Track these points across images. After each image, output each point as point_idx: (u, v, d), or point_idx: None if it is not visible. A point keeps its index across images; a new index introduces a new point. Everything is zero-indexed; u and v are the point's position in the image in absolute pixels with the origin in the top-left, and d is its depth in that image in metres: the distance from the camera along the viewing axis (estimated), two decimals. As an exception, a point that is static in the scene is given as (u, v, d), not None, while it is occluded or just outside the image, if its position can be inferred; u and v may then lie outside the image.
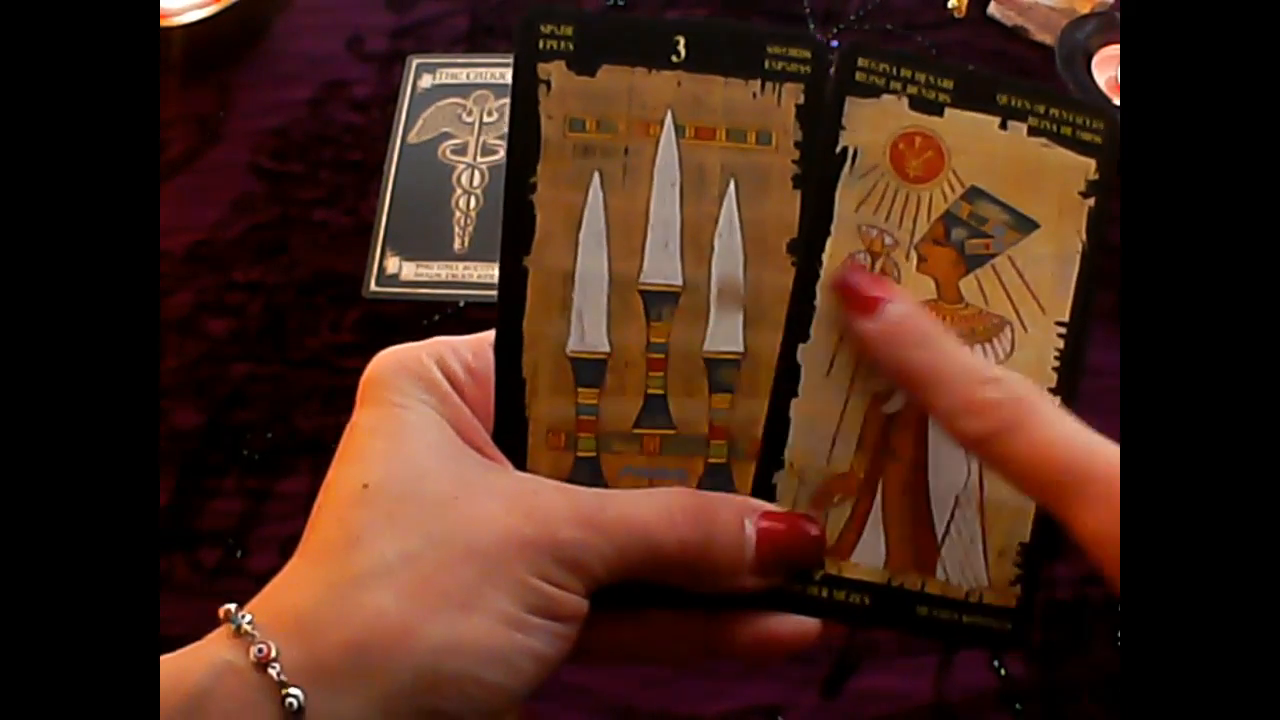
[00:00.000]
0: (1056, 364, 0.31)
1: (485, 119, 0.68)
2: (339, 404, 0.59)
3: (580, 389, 0.30)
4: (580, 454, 0.30)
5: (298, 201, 0.66)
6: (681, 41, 0.30)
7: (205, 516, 0.55)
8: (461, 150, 0.67)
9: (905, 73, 0.31)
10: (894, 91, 0.31)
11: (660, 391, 0.30)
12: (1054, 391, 0.31)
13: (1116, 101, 0.64)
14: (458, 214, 0.65)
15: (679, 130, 0.30)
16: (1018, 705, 0.50)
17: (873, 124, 0.31)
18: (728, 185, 0.31)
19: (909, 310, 0.30)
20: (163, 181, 0.67)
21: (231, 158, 0.68)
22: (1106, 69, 0.67)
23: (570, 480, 0.29)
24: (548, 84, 0.30)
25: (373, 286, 0.62)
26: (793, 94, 0.31)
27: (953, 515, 0.31)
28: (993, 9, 0.72)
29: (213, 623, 0.27)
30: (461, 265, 0.63)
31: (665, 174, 0.30)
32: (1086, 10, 0.70)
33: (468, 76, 0.70)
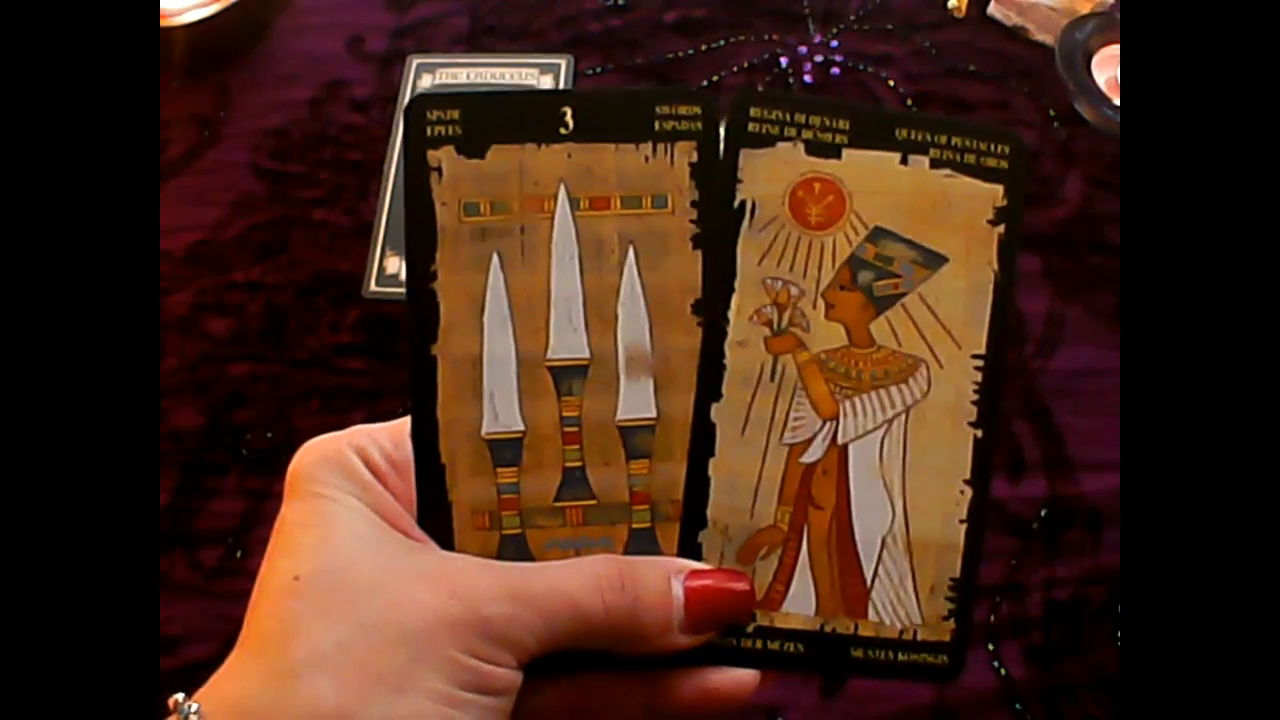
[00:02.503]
0: (975, 398, 0.31)
1: (485, 119, 0.68)
2: (339, 404, 0.59)
3: (499, 469, 0.30)
4: (505, 531, 0.30)
5: (298, 201, 0.66)
6: (568, 113, 0.30)
7: (205, 516, 0.55)
8: (461, 150, 0.67)
9: (799, 118, 0.31)
10: (789, 138, 0.31)
11: (578, 464, 0.31)
12: (973, 425, 0.31)
13: (1116, 101, 0.64)
14: (458, 214, 0.65)
15: (573, 203, 0.30)
16: (1018, 705, 0.50)
17: (769, 174, 0.31)
18: (626, 253, 0.31)
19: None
20: (163, 181, 0.67)
21: (231, 158, 0.68)
22: (1106, 69, 0.67)
23: (498, 558, 0.30)
24: (439, 170, 0.30)
25: (373, 286, 0.62)
26: (685, 153, 0.31)
27: (880, 557, 0.31)
28: (993, 9, 0.72)
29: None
30: (461, 265, 0.63)
31: (563, 249, 0.31)
32: (1086, 10, 0.70)
33: (468, 76, 0.70)
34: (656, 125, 0.31)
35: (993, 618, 0.51)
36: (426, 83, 0.70)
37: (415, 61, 0.71)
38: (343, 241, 0.64)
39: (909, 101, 0.68)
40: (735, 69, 0.70)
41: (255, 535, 0.55)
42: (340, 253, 0.64)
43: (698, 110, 0.31)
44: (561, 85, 0.69)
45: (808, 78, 0.70)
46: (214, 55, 0.72)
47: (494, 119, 0.30)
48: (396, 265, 0.63)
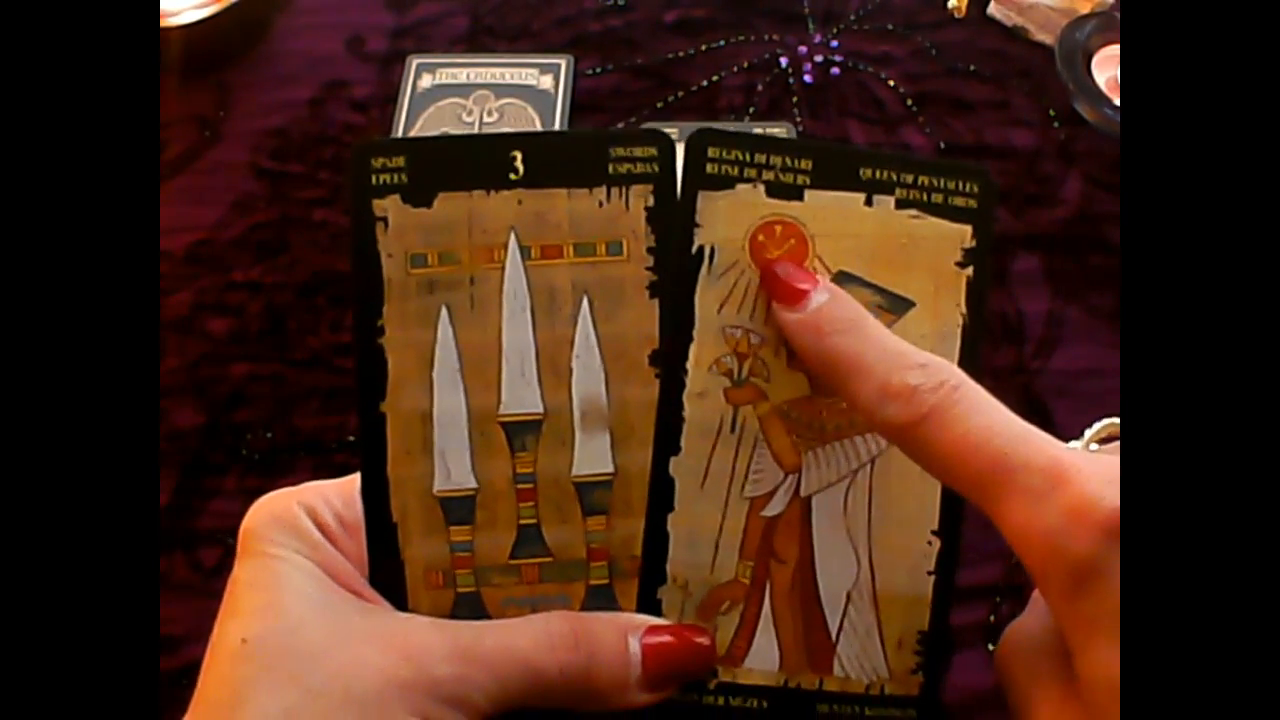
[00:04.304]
0: None
1: (485, 119, 0.68)
2: (339, 404, 0.59)
3: (452, 527, 0.30)
4: (460, 590, 0.30)
5: (298, 201, 0.66)
6: (519, 157, 0.29)
7: (205, 516, 0.55)
8: (461, 150, 0.67)
9: (759, 158, 0.30)
10: (749, 180, 0.30)
11: (533, 521, 0.30)
12: None
13: (1116, 101, 0.64)
14: (458, 214, 0.65)
15: (524, 252, 0.29)
16: (1018, 705, 0.50)
17: (728, 217, 0.30)
18: (580, 303, 0.30)
19: (834, 299, 0.29)
20: (163, 181, 0.67)
21: (231, 158, 0.68)
22: (1106, 69, 0.67)
23: (453, 616, 0.29)
24: (384, 221, 0.29)
25: (373, 286, 0.62)
26: (641, 196, 0.29)
27: (845, 611, 0.30)
28: (993, 9, 0.72)
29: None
30: (461, 265, 0.63)
31: (514, 300, 0.30)
32: (1086, 10, 0.70)
33: (468, 76, 0.70)
34: (611, 168, 0.29)
35: (993, 618, 0.51)
36: (427, 83, 0.70)
37: (415, 61, 0.71)
38: (343, 241, 0.64)
39: (909, 101, 0.68)
40: (735, 69, 0.70)
41: (255, 535, 0.55)
42: (340, 253, 0.64)
43: (654, 152, 0.29)
44: (562, 85, 0.69)
45: (808, 78, 0.70)
46: (214, 55, 0.72)
47: (441, 165, 0.29)
48: (396, 265, 0.63)
